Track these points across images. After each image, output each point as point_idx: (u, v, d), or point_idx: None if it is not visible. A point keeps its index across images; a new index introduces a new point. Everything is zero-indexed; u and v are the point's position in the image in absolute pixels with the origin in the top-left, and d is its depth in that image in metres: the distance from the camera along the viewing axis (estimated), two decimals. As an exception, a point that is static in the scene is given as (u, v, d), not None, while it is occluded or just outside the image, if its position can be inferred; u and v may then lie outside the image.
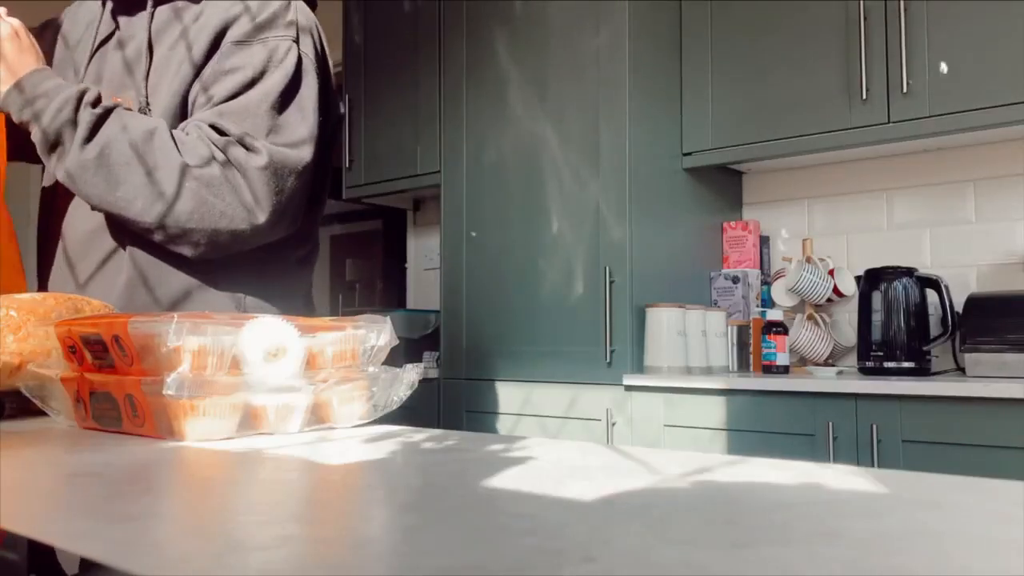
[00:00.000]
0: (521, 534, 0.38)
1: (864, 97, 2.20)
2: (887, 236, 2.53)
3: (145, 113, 1.19)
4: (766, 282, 2.67)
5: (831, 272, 2.50)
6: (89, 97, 1.12)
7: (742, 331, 2.55)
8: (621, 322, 2.35)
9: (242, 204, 1.12)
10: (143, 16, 1.25)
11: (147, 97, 1.21)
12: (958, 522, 0.40)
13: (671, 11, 2.56)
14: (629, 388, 2.30)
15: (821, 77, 2.30)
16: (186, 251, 1.14)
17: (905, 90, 2.14)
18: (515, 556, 0.34)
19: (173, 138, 1.11)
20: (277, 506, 0.46)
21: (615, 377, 2.32)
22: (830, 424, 1.96)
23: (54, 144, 1.12)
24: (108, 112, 1.12)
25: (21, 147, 1.25)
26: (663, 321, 2.34)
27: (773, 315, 2.38)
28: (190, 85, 1.19)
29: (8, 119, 1.17)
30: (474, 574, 0.31)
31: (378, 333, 0.85)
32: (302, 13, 1.25)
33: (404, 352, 2.78)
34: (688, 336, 2.38)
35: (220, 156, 1.11)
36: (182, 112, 1.20)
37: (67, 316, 0.90)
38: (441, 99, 2.85)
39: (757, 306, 2.62)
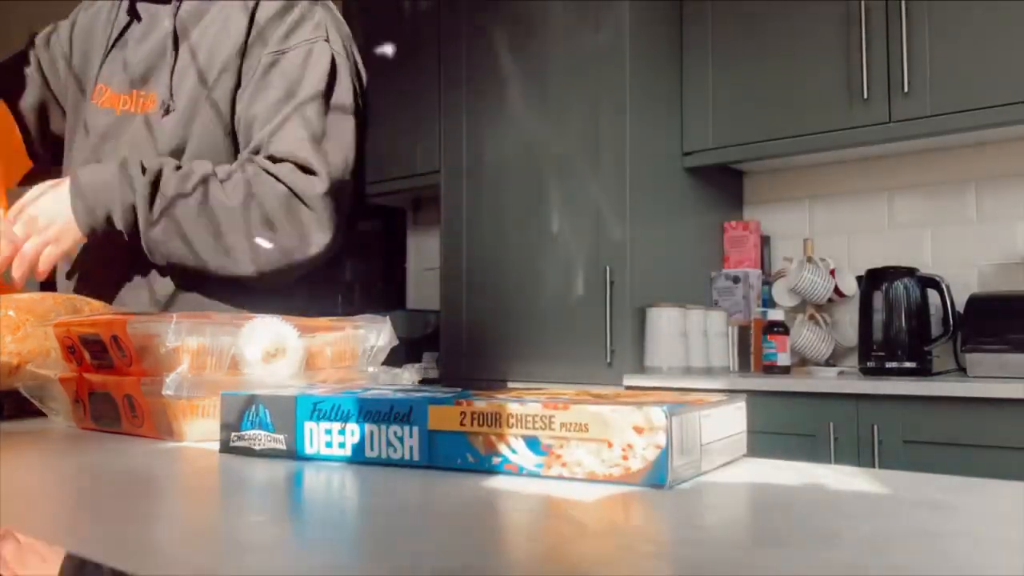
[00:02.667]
0: (521, 535, 0.38)
1: (865, 96, 2.20)
2: (888, 236, 2.53)
3: (168, 109, 1.16)
4: (767, 282, 2.67)
5: (832, 272, 2.49)
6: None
7: (743, 331, 2.54)
8: (621, 322, 2.35)
9: (307, 232, 1.12)
10: (167, 8, 1.20)
11: (171, 92, 1.17)
12: (959, 522, 0.40)
13: (671, 11, 2.56)
14: (629, 388, 2.30)
15: (822, 76, 2.29)
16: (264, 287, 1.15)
17: (906, 90, 2.14)
18: (515, 556, 0.34)
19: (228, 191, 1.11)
20: (277, 506, 0.46)
21: (615, 377, 2.32)
22: (831, 424, 1.96)
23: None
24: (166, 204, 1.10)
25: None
26: (663, 321, 2.34)
27: (774, 315, 2.38)
28: (216, 80, 1.16)
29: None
30: (473, 574, 0.31)
31: (378, 333, 0.85)
32: (324, 8, 1.22)
33: (404, 352, 2.78)
34: (689, 336, 2.38)
35: (282, 190, 1.10)
36: (208, 109, 1.16)
37: (66, 316, 0.90)
38: (441, 99, 2.85)
39: (758, 306, 2.62)
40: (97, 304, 1.00)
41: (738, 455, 0.59)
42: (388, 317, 0.88)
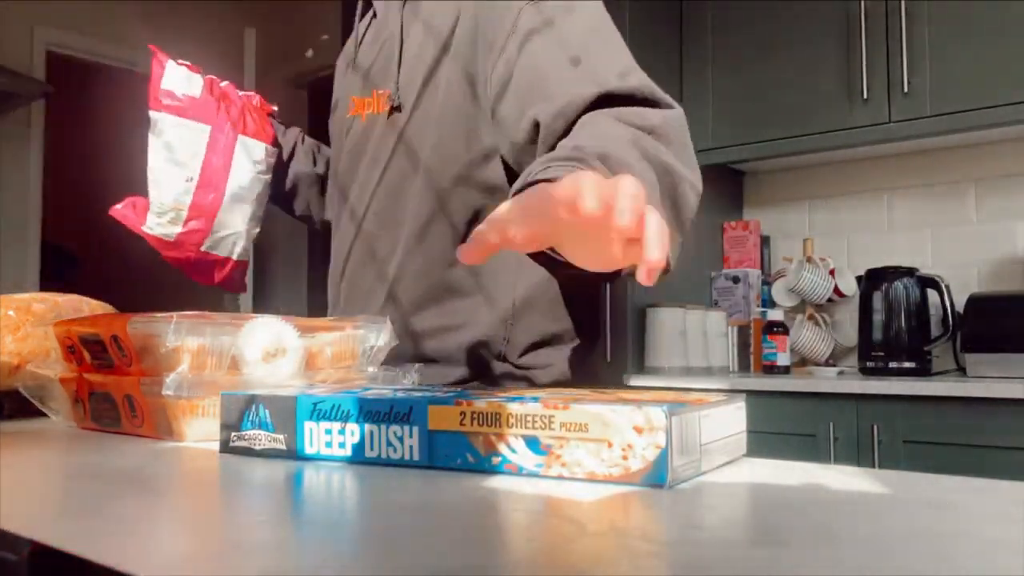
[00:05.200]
0: (521, 535, 0.38)
1: (865, 97, 2.20)
2: (888, 236, 2.53)
3: (396, 107, 1.01)
4: (767, 282, 2.67)
5: (832, 272, 2.49)
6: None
7: (743, 331, 2.54)
8: (621, 322, 2.35)
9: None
10: (396, 3, 1.07)
11: (398, 89, 1.02)
12: (958, 522, 0.40)
13: (671, 11, 2.56)
14: (630, 388, 2.30)
15: (822, 77, 2.29)
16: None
17: (906, 90, 2.14)
18: (515, 557, 0.34)
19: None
20: (277, 506, 0.46)
21: (615, 377, 2.32)
22: (831, 424, 1.96)
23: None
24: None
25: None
26: (664, 321, 2.34)
27: (774, 315, 2.38)
28: (435, 68, 0.99)
29: None
30: (473, 574, 0.31)
31: (377, 333, 0.85)
32: None
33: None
34: (689, 336, 2.38)
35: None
36: (444, 117, 0.99)
37: (66, 316, 0.90)
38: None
39: (758, 306, 2.62)
40: (96, 304, 1.00)
41: (738, 455, 0.59)
42: (388, 317, 0.88)
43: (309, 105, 4.39)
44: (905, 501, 0.45)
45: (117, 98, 5.62)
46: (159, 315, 0.72)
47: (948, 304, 2.14)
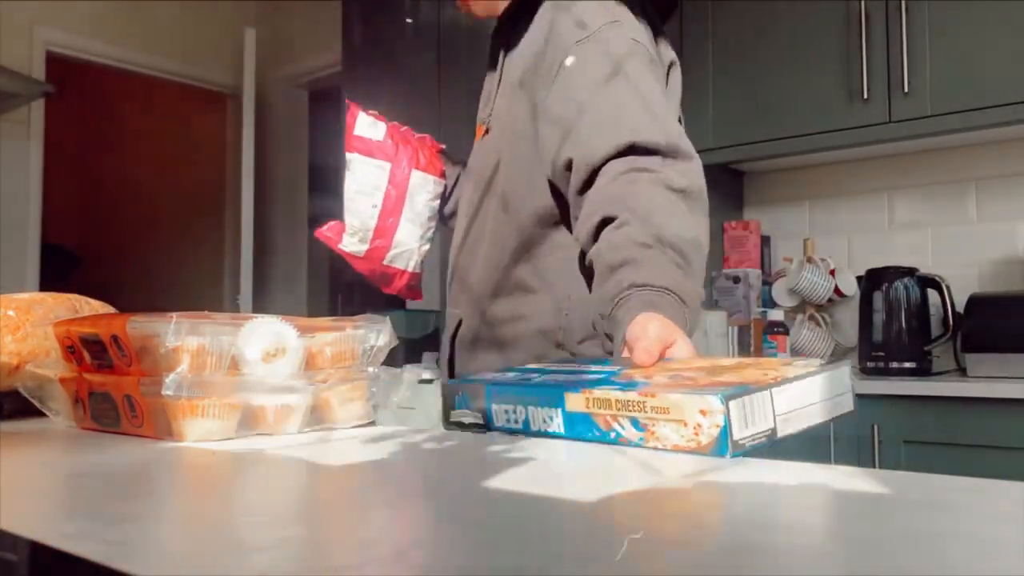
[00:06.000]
0: (522, 535, 0.38)
1: (865, 97, 2.20)
2: (888, 236, 2.53)
3: (487, 131, 1.18)
4: (767, 282, 2.67)
5: (832, 272, 2.49)
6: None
7: (743, 331, 2.54)
8: (621, 322, 2.34)
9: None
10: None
11: (489, 120, 1.19)
12: (959, 522, 0.40)
13: (671, 11, 2.56)
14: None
15: (822, 77, 2.29)
16: None
17: (906, 90, 2.14)
18: (515, 557, 0.34)
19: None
20: (276, 507, 0.46)
21: (615, 377, 2.32)
22: (831, 424, 1.96)
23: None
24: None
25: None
26: (663, 321, 2.33)
27: (774, 315, 2.38)
28: (516, 102, 1.12)
29: None
30: (474, 574, 0.31)
31: (378, 333, 0.85)
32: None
33: (404, 352, 2.78)
34: (689, 336, 2.37)
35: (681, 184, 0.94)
36: (516, 139, 1.11)
37: (66, 316, 0.90)
38: (440, 99, 2.85)
39: (758, 306, 2.62)
40: (97, 304, 1.00)
41: (842, 411, 0.69)
42: (388, 317, 0.88)
43: (309, 105, 4.40)
44: (905, 501, 0.45)
45: (117, 98, 5.63)
46: (159, 315, 0.72)
47: (948, 304, 2.14)
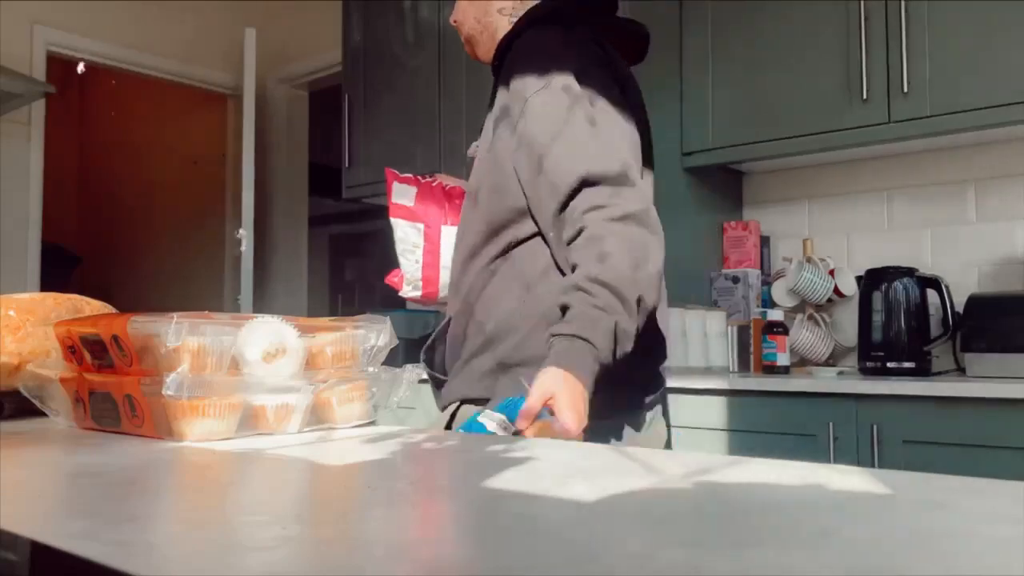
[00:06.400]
0: (522, 535, 0.38)
1: (864, 97, 2.20)
2: (887, 236, 2.53)
3: (473, 157, 1.34)
4: (766, 282, 2.67)
5: (831, 272, 2.49)
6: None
7: (742, 331, 2.54)
8: (621, 322, 2.34)
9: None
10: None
11: (476, 147, 1.35)
12: (958, 522, 0.40)
13: (671, 11, 2.56)
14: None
15: (821, 77, 2.29)
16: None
17: (906, 90, 2.14)
18: (516, 557, 0.34)
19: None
20: (277, 506, 0.46)
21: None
22: (831, 424, 1.96)
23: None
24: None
25: None
26: (663, 321, 2.34)
27: (773, 315, 2.38)
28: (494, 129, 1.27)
29: None
30: (474, 574, 0.31)
31: (378, 333, 0.85)
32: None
33: (404, 352, 2.78)
34: (688, 336, 2.38)
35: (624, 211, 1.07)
36: (493, 164, 1.25)
37: (66, 316, 0.90)
38: (440, 99, 2.85)
39: (757, 306, 2.62)
40: (97, 304, 1.00)
41: None
42: (388, 317, 0.88)
43: (309, 105, 4.40)
44: (905, 501, 0.45)
45: (117, 98, 5.63)
46: (159, 315, 0.72)
47: (948, 304, 2.14)
